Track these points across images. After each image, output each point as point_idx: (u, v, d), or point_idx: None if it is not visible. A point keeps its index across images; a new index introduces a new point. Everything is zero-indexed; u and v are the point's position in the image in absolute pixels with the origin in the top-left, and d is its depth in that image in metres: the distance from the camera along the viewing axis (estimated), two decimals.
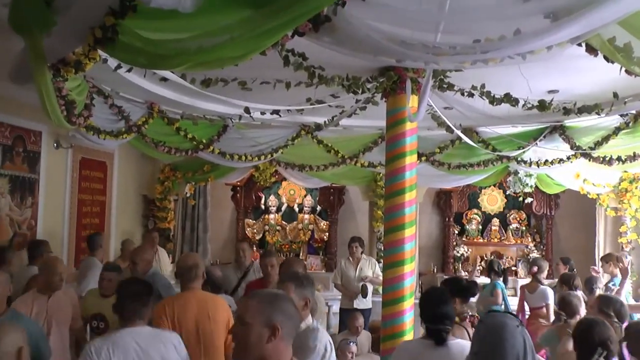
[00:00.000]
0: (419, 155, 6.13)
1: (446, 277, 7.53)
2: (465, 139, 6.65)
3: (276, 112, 5.60)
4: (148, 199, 8.97)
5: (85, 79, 5.04)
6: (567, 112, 5.28)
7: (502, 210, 10.45)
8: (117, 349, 3.04)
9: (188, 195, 9.48)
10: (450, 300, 3.36)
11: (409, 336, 4.60)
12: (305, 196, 10.39)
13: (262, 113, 5.81)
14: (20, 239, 6.11)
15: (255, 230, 10.40)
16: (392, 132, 4.85)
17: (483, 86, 4.76)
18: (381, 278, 7.93)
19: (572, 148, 6.68)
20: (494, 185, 9.93)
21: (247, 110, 5.44)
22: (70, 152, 6.89)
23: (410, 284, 4.85)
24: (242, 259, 6.16)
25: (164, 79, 4.58)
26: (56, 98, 4.46)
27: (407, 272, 4.83)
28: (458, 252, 10.15)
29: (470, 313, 4.20)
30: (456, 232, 10.48)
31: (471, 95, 4.79)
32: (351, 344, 5.85)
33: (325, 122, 6.49)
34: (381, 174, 7.95)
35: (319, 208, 10.37)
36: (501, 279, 6.87)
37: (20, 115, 6.01)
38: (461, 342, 3.18)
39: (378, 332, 7.30)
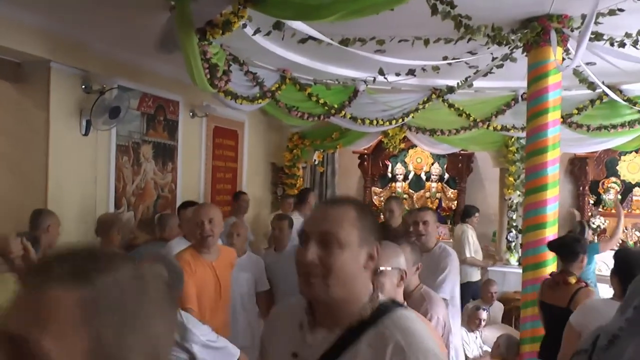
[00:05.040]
0: None
1: None
2: (612, 95, 6.20)
3: (412, 71, 5.57)
4: (277, 166, 9.26)
5: (222, 47, 5.25)
6: None
7: None
8: None
9: (317, 162, 9.68)
10: None
11: None
12: (432, 164, 10.27)
13: (397, 74, 5.80)
14: (162, 201, 6.54)
15: (382, 198, 10.45)
16: (534, 88, 4.68)
17: None
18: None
19: None
20: (636, 151, 9.32)
21: (381, 71, 5.46)
22: (204, 120, 7.25)
23: None
24: None
25: (303, 41, 4.67)
26: (201, 61, 4.71)
27: (549, 236, 4.65)
28: (594, 223, 9.65)
29: None
30: (591, 202, 9.97)
31: (622, 45, 4.48)
32: (481, 310, 5.76)
33: (458, 83, 6.37)
34: (513, 139, 7.70)
35: (446, 176, 10.23)
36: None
37: (161, 87, 6.36)
38: None
39: (509, 303, 7.15)
